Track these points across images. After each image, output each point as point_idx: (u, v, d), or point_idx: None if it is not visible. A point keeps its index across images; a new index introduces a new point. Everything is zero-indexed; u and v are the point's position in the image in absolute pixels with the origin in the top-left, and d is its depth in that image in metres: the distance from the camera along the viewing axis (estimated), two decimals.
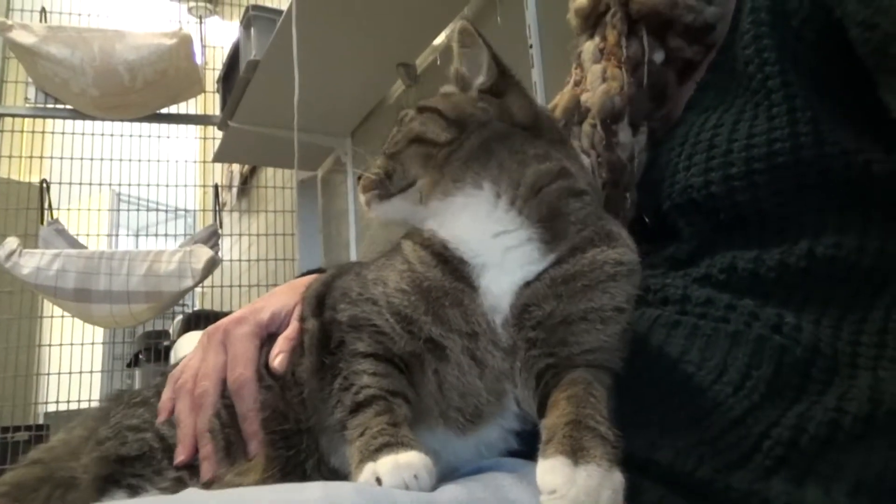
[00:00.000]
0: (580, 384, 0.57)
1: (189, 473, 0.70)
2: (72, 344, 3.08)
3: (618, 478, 0.49)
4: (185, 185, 3.42)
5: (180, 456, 0.70)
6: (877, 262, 0.67)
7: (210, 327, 0.78)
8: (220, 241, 3.10)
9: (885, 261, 0.67)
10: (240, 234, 3.54)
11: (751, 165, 0.71)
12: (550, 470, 0.49)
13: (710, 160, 0.74)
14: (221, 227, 3.24)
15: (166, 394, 0.76)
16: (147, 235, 3.56)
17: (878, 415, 0.56)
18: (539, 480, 0.49)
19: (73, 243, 2.91)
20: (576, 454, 0.49)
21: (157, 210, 3.72)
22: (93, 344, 3.14)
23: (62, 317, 3.01)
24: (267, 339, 0.75)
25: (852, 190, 0.69)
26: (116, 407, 0.82)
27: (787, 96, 0.71)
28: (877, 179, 0.69)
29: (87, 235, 3.20)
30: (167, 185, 3.33)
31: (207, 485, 0.68)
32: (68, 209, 3.19)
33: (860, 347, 0.62)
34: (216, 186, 3.43)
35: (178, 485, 0.70)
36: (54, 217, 3.01)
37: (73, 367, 3.04)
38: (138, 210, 3.66)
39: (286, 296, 0.79)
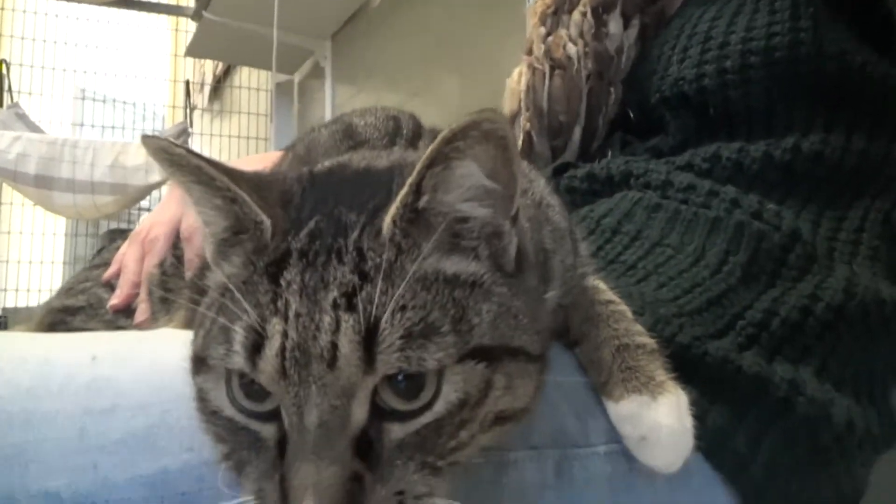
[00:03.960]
0: (586, 293, 0.54)
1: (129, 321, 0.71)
2: (32, 233, 3.00)
3: (682, 394, 0.48)
4: (155, 79, 3.28)
5: (114, 300, 0.71)
6: (860, 163, 0.67)
7: None
8: (189, 141, 3.00)
9: (868, 162, 0.68)
10: (210, 135, 3.43)
11: (746, 59, 0.70)
12: (630, 416, 0.47)
13: (705, 53, 0.73)
14: (192, 125, 3.14)
15: (123, 248, 0.75)
16: (113, 128, 3.42)
17: (849, 306, 0.58)
18: (620, 429, 0.48)
19: (34, 129, 2.79)
20: (648, 387, 0.47)
21: (124, 104, 3.57)
22: (54, 235, 3.06)
23: (22, 204, 2.92)
24: None
25: (845, 90, 0.69)
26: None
27: None
28: (870, 81, 0.69)
29: (50, 123, 3.07)
30: (135, 77, 3.19)
31: (138, 328, 0.69)
32: (29, 93, 3.04)
33: (837, 243, 0.64)
34: (187, 82, 3.29)
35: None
36: (14, 100, 2.87)
37: (34, 258, 2.98)
38: (104, 102, 3.51)
39: (257, 163, 0.78)
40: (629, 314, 0.52)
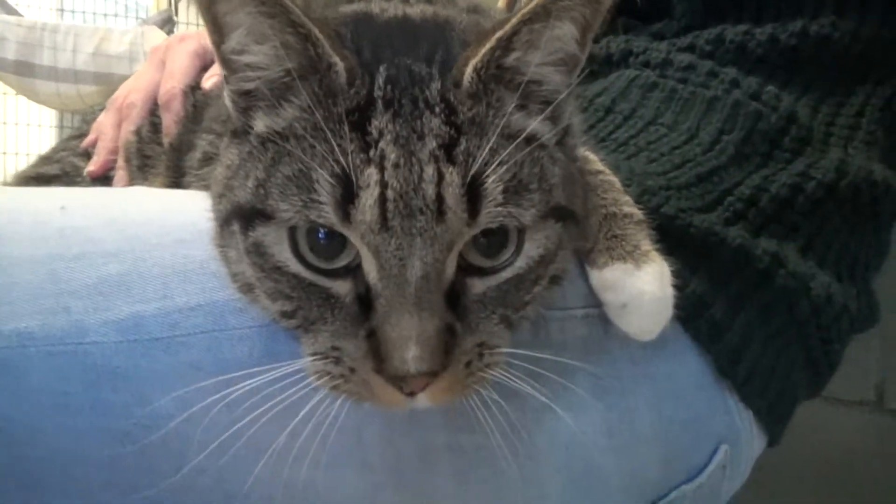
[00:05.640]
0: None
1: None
2: (17, 123, 2.93)
3: (665, 264, 0.47)
4: None
5: (91, 166, 0.70)
6: (867, 49, 0.65)
7: (156, 45, 0.74)
8: (175, 30, 2.88)
9: (875, 48, 0.65)
10: (197, 25, 3.29)
11: None
12: (613, 283, 0.46)
13: None
14: (177, 14, 3.00)
15: (101, 115, 0.73)
16: (94, 14, 3.26)
17: (840, 185, 0.57)
18: (602, 296, 0.47)
19: (12, 12, 2.66)
20: (632, 256, 0.46)
21: None
22: (39, 126, 3.00)
23: (4, 94, 2.83)
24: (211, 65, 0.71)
25: None
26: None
27: None
28: None
29: (28, 7, 2.92)
30: None
31: None
32: None
33: (834, 128, 0.62)
34: None
35: None
36: None
37: (20, 150, 2.92)
38: None
39: None
40: (618, 185, 0.51)
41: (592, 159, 0.53)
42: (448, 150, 0.35)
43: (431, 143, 0.35)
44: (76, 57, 2.46)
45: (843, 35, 0.64)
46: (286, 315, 0.38)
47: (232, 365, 0.40)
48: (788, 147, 0.59)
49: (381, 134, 0.35)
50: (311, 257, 0.36)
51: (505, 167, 0.35)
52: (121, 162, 0.69)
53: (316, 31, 0.36)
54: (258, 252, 0.37)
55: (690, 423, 0.52)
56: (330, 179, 0.34)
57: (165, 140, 0.66)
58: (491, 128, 0.36)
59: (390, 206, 0.34)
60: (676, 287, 0.47)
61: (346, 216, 0.34)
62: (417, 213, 0.34)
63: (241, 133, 0.40)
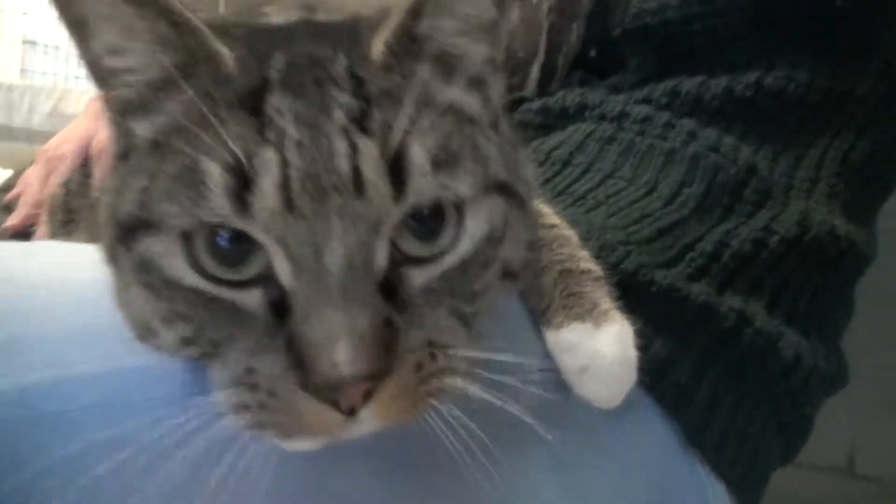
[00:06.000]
0: None
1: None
2: None
3: (627, 324, 0.44)
4: None
5: (10, 220, 0.66)
6: (823, 101, 0.65)
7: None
8: None
9: (830, 100, 0.65)
10: None
11: None
12: (570, 345, 0.43)
13: None
14: None
15: (30, 168, 0.69)
16: (55, 75, 3.25)
17: (803, 239, 0.56)
18: (559, 359, 0.43)
19: None
20: (591, 315, 0.43)
21: (68, 53, 3.39)
22: None
23: None
24: None
25: (812, 23, 0.66)
26: None
27: None
28: (839, 14, 0.67)
29: None
30: None
31: None
32: None
33: (794, 180, 0.62)
34: None
35: None
36: None
37: None
38: (45, 51, 3.33)
39: None
40: (575, 239, 0.48)
41: (546, 212, 0.50)
42: (360, 122, 0.31)
43: (340, 117, 0.31)
44: (31, 117, 2.42)
45: (797, 87, 0.64)
46: (187, 342, 0.32)
47: (134, 439, 0.35)
48: (749, 200, 0.58)
49: (279, 112, 0.31)
50: (212, 267, 0.31)
51: (429, 136, 0.31)
52: (43, 217, 0.64)
53: (194, 19, 0.32)
54: (145, 269, 0.32)
55: (658, 499, 0.48)
56: (218, 168, 0.29)
57: (95, 193, 0.62)
58: (408, 96, 0.32)
59: (295, 186, 0.29)
60: (639, 348, 0.44)
61: (242, 207, 0.29)
62: (331, 191, 0.30)
63: (125, 154, 0.35)
